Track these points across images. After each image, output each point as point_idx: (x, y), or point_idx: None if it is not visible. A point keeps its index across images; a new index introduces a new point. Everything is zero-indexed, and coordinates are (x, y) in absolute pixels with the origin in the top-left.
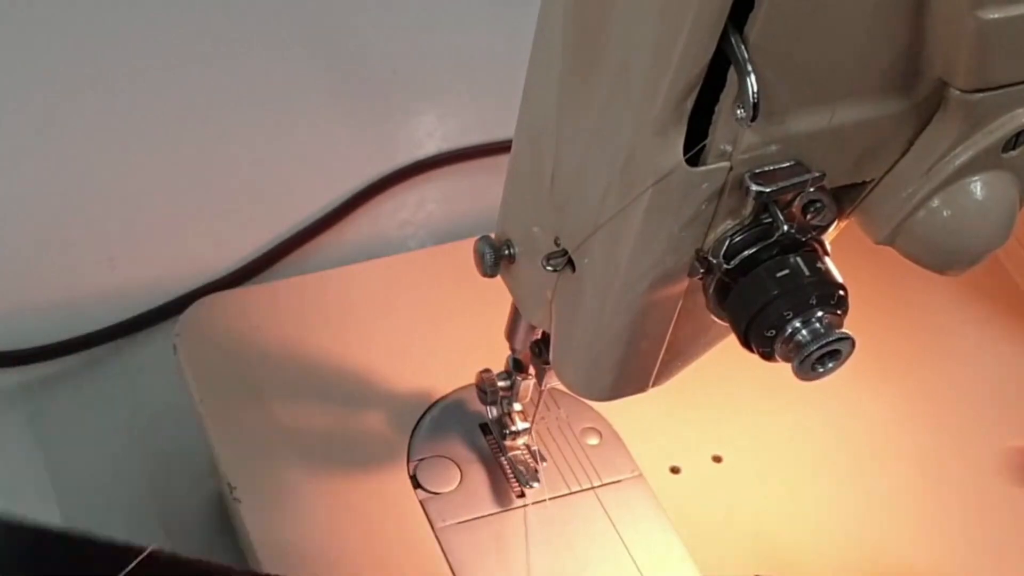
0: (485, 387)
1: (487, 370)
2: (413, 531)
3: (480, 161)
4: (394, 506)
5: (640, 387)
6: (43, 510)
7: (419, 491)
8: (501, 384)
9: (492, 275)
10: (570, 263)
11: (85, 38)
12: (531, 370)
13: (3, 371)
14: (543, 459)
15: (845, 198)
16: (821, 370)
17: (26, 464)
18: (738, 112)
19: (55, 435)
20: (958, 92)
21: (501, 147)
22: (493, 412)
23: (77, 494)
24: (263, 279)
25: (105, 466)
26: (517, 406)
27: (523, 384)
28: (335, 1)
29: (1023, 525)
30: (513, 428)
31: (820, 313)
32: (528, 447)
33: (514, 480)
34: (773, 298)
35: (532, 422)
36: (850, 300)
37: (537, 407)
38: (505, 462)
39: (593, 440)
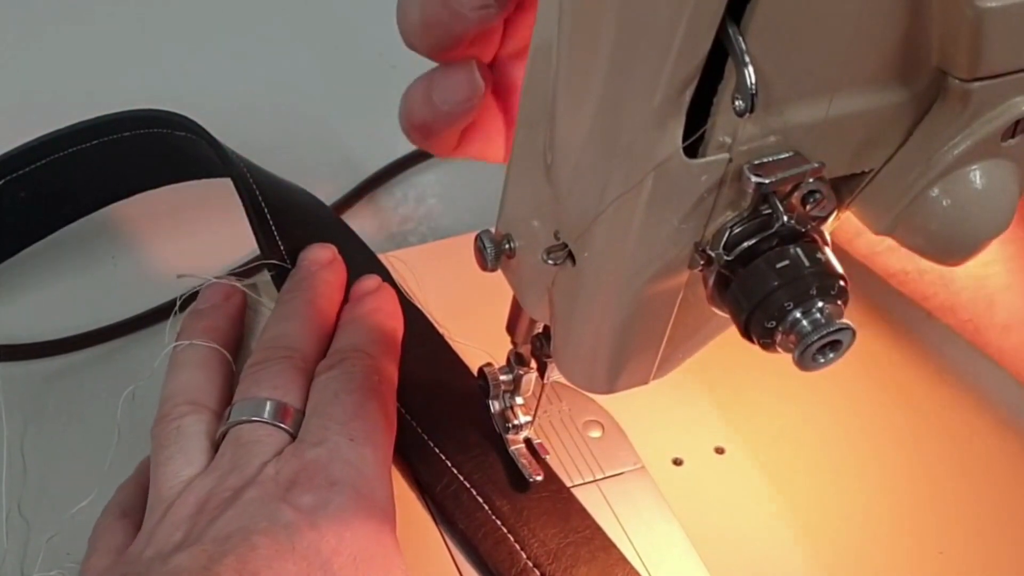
0: (487, 381)
1: (489, 364)
2: (417, 527)
3: None
4: (398, 502)
5: (642, 379)
6: (44, 505)
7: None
8: (503, 378)
9: (493, 269)
10: (570, 256)
11: (89, 39)
12: (533, 364)
13: (7, 364)
14: (546, 452)
15: (844, 188)
16: (822, 361)
17: (28, 458)
18: (736, 103)
19: (57, 430)
20: (957, 81)
21: None
22: (495, 406)
23: (78, 489)
24: (265, 276)
25: (106, 462)
26: (519, 400)
27: (525, 378)
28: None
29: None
30: (515, 422)
31: (821, 303)
32: (530, 441)
33: None
34: (773, 289)
35: (534, 416)
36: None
37: (539, 400)
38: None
39: (595, 433)
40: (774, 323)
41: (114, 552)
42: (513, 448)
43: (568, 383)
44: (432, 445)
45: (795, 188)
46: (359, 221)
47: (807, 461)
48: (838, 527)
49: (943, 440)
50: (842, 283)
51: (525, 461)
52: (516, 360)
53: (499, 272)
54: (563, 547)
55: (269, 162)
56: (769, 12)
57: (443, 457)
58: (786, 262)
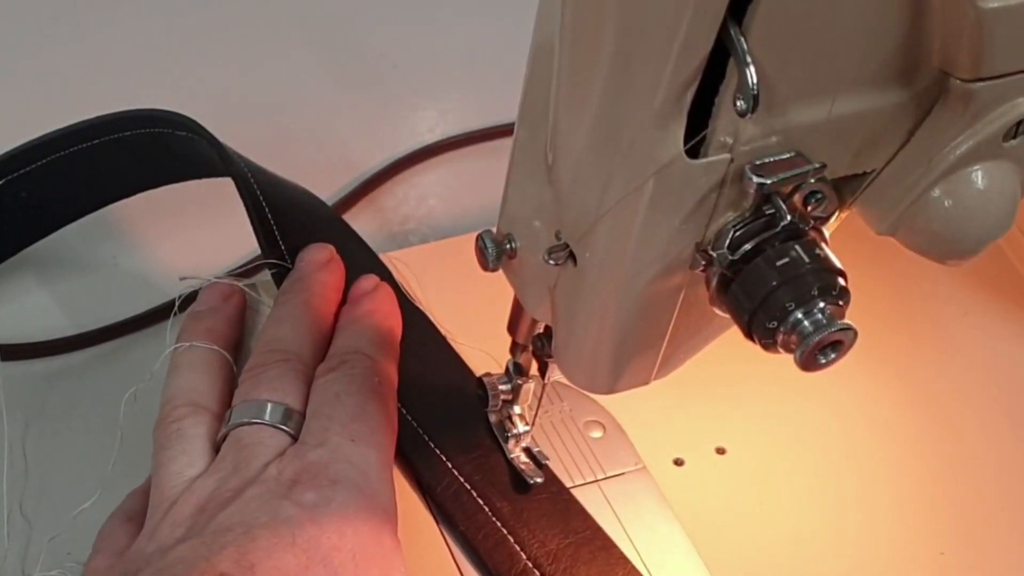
0: (486, 391)
1: (488, 374)
2: (419, 527)
3: (482, 145)
4: (399, 502)
5: (643, 380)
6: (45, 505)
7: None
8: (502, 388)
9: (494, 269)
10: (571, 257)
11: (90, 40)
12: (532, 371)
13: (8, 364)
14: (546, 458)
15: (846, 189)
16: (823, 361)
17: (30, 458)
18: (738, 104)
19: (58, 430)
20: (958, 82)
21: (504, 130)
22: (493, 416)
23: (80, 489)
24: (265, 276)
25: (107, 462)
26: (517, 409)
27: (524, 388)
28: None
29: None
30: (515, 431)
31: (822, 304)
32: (530, 450)
33: None
34: (774, 288)
35: (532, 424)
36: (851, 290)
37: (540, 401)
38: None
39: (597, 433)
40: (776, 323)
41: (117, 554)
42: (512, 456)
43: (569, 383)
44: (433, 446)
45: (796, 188)
46: (359, 221)
47: (807, 461)
48: (838, 527)
49: (944, 440)
50: (843, 281)
51: (524, 467)
52: (515, 370)
53: (500, 272)
54: (563, 547)
55: (269, 162)
56: (771, 12)
57: (444, 458)
58: (786, 260)
